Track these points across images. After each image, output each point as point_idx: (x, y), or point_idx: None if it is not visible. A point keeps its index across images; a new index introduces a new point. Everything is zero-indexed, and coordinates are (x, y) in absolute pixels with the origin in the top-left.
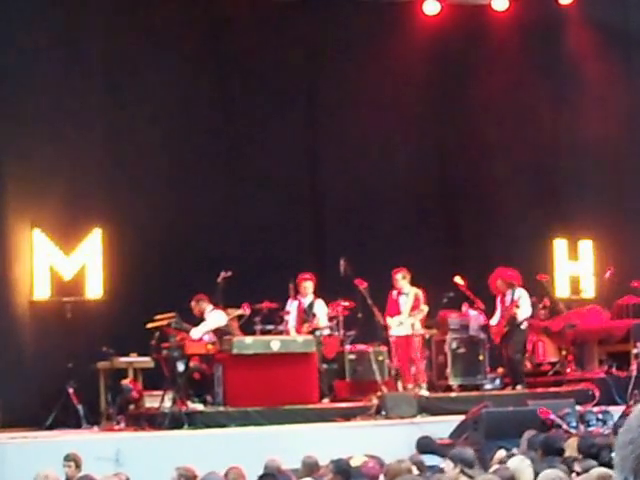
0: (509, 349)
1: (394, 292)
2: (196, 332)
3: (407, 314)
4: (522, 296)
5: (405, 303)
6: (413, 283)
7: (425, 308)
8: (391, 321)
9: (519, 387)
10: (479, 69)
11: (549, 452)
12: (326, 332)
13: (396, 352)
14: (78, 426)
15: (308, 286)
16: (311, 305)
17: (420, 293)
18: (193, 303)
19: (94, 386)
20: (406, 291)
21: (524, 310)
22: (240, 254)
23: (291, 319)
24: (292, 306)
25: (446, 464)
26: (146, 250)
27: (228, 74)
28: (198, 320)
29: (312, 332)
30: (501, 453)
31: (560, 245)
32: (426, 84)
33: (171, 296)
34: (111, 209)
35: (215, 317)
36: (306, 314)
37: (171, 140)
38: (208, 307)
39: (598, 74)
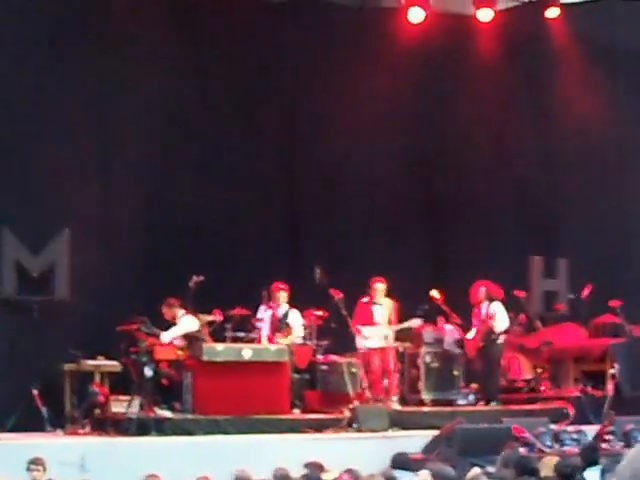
0: (484, 364)
1: (365, 299)
2: (166, 336)
3: (385, 325)
4: (498, 309)
5: (380, 314)
6: (388, 294)
7: (416, 322)
8: (367, 331)
9: (492, 404)
10: (463, 79)
11: (523, 472)
12: (298, 341)
13: (368, 363)
14: (41, 429)
15: (282, 296)
16: (286, 315)
17: (393, 305)
18: (164, 308)
19: (59, 388)
20: (380, 301)
21: (500, 323)
22: (213, 258)
23: (264, 328)
24: (266, 314)
25: (423, 476)
26: (116, 251)
27: (206, 75)
28: (169, 325)
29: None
30: (475, 470)
31: (537, 262)
32: (409, 92)
33: (141, 299)
34: (81, 207)
35: (186, 322)
36: (280, 323)
37: (144, 140)
38: (180, 312)
39: (583, 88)
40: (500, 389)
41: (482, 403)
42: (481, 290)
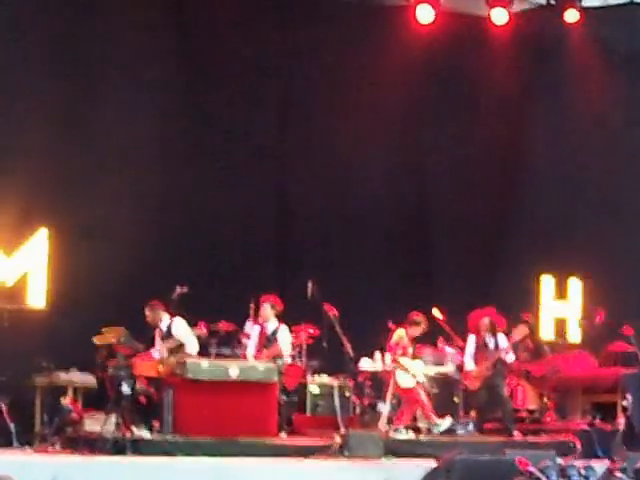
0: (494, 395)
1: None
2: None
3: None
4: (505, 341)
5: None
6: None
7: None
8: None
9: (516, 433)
10: (472, 84)
11: None
12: (287, 361)
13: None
14: (9, 445)
15: (269, 310)
16: (275, 332)
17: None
18: (147, 310)
19: (29, 403)
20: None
21: (510, 355)
22: (198, 269)
23: (251, 344)
24: (253, 330)
25: None
26: (96, 256)
27: (200, 75)
28: (150, 333)
29: (273, 359)
30: None
31: (547, 282)
32: (413, 97)
33: (122, 309)
34: (59, 208)
35: (181, 325)
36: (268, 341)
37: (129, 139)
38: (164, 316)
39: (600, 96)
40: (499, 418)
41: (482, 433)
42: (484, 321)
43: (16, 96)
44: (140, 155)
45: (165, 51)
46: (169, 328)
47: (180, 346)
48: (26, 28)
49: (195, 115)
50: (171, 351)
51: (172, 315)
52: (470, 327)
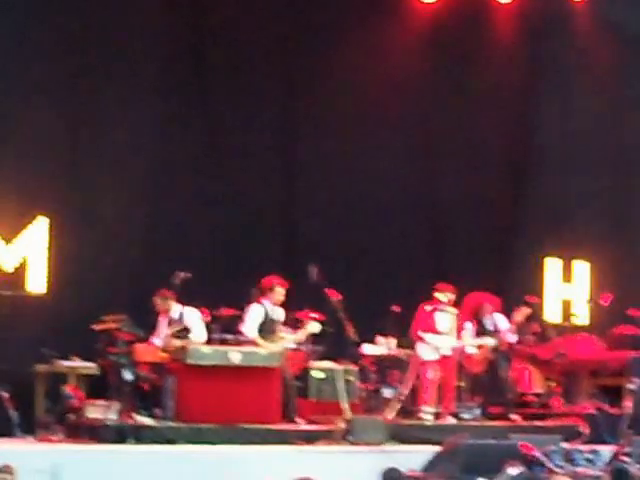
0: (497, 377)
1: (428, 307)
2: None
3: (452, 335)
4: (504, 322)
5: (445, 322)
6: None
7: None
8: (431, 339)
9: (514, 417)
10: (477, 66)
11: None
12: (291, 346)
13: (423, 373)
14: (11, 434)
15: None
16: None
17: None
18: (158, 299)
19: (31, 391)
20: (446, 309)
21: (510, 335)
22: (201, 255)
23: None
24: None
25: None
26: (97, 243)
27: (202, 70)
28: (151, 320)
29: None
30: None
31: (553, 265)
32: (419, 80)
33: (123, 295)
34: (60, 195)
35: (193, 315)
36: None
37: (134, 128)
38: (175, 306)
39: (607, 75)
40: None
41: (488, 418)
42: (485, 305)
43: (17, 82)
44: (141, 141)
45: (168, 46)
46: (181, 316)
47: (184, 330)
48: (28, 20)
49: (199, 102)
50: (175, 336)
51: (183, 305)
52: (465, 312)
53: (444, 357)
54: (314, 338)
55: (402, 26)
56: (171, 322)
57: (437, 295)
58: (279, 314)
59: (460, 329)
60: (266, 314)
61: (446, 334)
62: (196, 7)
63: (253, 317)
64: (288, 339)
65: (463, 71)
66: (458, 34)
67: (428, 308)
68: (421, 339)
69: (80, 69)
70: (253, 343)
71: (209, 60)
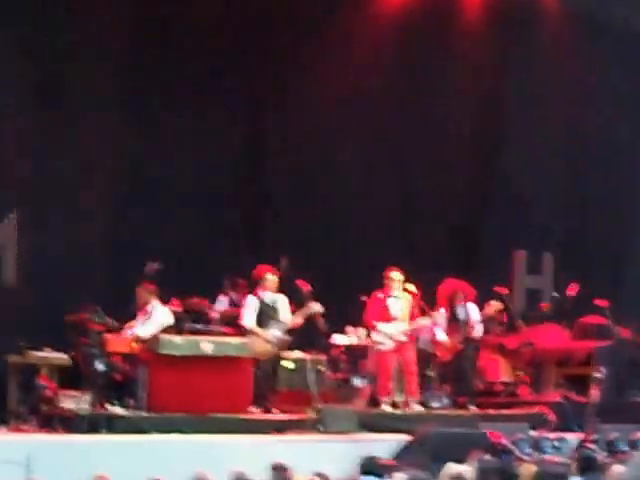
0: (460, 366)
1: (380, 294)
2: (143, 330)
3: (406, 320)
4: (476, 311)
5: (398, 308)
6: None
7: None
8: (385, 327)
9: (472, 407)
10: (446, 56)
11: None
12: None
13: (382, 362)
14: None
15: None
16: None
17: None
18: (141, 291)
19: (3, 382)
20: (398, 295)
21: (480, 326)
22: (171, 245)
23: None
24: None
25: None
26: (69, 234)
27: (167, 56)
28: (126, 312)
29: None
30: (450, 467)
31: (521, 257)
32: (387, 72)
33: (94, 286)
34: (32, 186)
35: (162, 315)
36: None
37: (103, 118)
38: (155, 301)
39: (574, 65)
40: (476, 392)
41: (460, 407)
42: (457, 293)
43: None
44: (110, 134)
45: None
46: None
47: None
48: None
49: (165, 92)
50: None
51: (163, 302)
52: (440, 298)
53: (400, 343)
54: None
55: (372, 20)
56: (147, 316)
57: (387, 281)
58: (279, 300)
59: (416, 314)
60: (262, 304)
61: (399, 320)
62: None
63: (249, 309)
64: (287, 323)
65: (431, 62)
66: (426, 28)
67: (380, 296)
68: (375, 328)
69: (48, 66)
70: (252, 333)
71: (174, 62)
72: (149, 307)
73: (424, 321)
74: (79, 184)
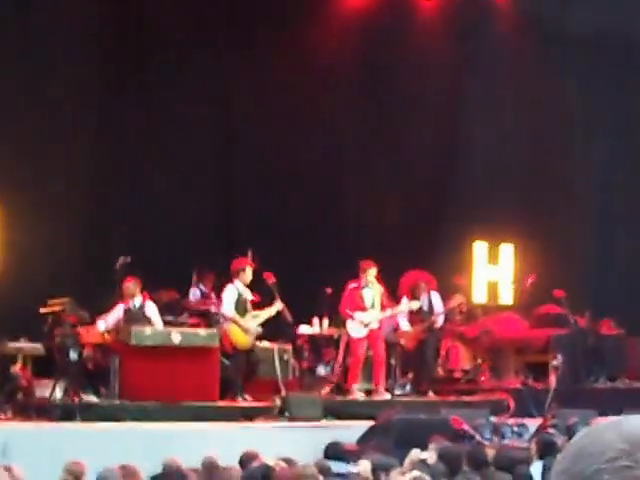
0: (422, 353)
1: (353, 284)
2: (102, 324)
3: (378, 310)
4: (439, 302)
5: (371, 298)
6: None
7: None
8: (360, 316)
9: (431, 394)
10: (404, 63)
11: (476, 465)
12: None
13: (354, 350)
14: None
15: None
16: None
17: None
18: (132, 284)
19: None
20: (371, 286)
21: (441, 317)
22: (142, 240)
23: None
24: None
25: (363, 467)
26: (43, 227)
27: (145, 48)
28: (94, 303)
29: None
30: (415, 453)
31: (480, 248)
32: (346, 77)
33: (68, 279)
34: (9, 179)
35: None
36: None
37: (79, 112)
38: (138, 295)
39: (530, 72)
40: (437, 379)
41: (420, 394)
42: (420, 284)
43: None
44: (86, 131)
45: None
46: (142, 308)
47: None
48: None
49: (140, 93)
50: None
51: (144, 297)
52: (403, 288)
53: (371, 331)
54: None
55: (333, 24)
56: (128, 310)
57: (361, 273)
58: (248, 294)
59: (387, 305)
60: (239, 294)
61: (372, 309)
62: None
63: (228, 297)
64: (259, 316)
65: (389, 66)
66: (383, 34)
67: (354, 286)
68: (349, 316)
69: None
70: (233, 321)
71: (148, 58)
72: (133, 302)
73: (405, 306)
74: (54, 181)
